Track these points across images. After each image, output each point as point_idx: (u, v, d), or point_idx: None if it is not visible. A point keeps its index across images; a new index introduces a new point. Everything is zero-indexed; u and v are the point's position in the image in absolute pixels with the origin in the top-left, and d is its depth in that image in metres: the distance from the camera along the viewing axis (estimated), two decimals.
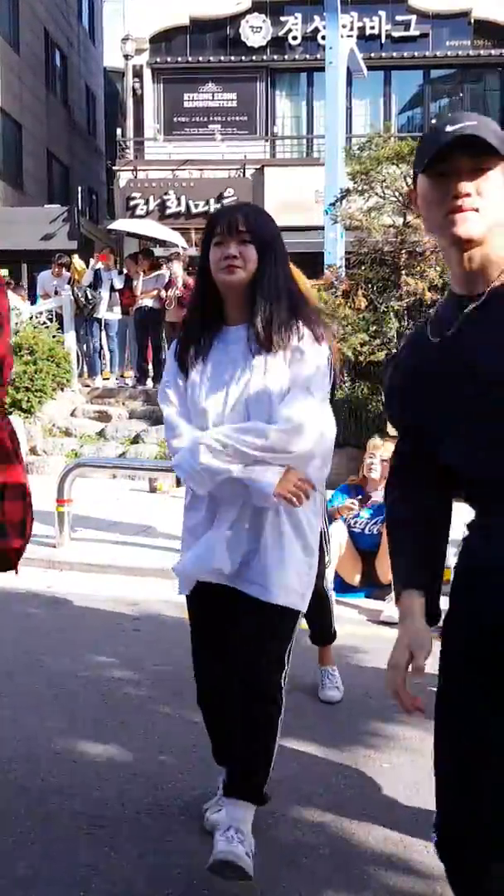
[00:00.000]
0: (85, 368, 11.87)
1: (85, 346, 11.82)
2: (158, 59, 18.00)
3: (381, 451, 4.72)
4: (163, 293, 10.80)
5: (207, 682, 2.34)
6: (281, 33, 17.66)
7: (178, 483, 7.75)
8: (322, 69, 11.14)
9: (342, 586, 4.70)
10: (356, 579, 4.70)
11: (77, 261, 12.21)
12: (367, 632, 4.15)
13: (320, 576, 3.10)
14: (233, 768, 2.24)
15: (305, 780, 2.72)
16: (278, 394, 2.14)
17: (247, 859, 2.07)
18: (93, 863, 2.25)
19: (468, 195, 1.45)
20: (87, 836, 2.37)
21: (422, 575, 1.57)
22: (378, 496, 4.60)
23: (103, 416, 10.20)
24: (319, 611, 3.27)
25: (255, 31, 17.71)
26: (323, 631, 3.42)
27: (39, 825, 2.42)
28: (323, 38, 13.59)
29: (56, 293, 11.64)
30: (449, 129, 1.44)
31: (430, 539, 1.61)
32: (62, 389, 10.53)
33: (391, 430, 5.48)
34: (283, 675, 2.19)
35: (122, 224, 15.27)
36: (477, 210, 1.45)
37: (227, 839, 2.10)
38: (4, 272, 10.75)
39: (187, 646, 2.37)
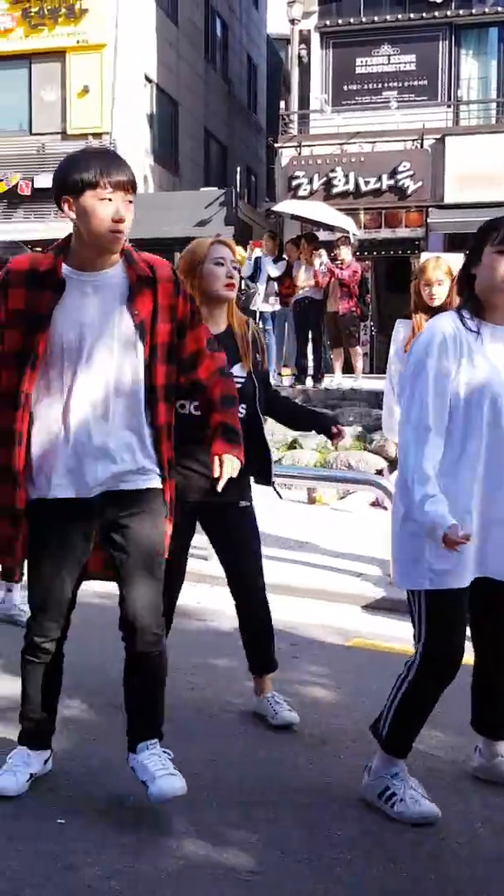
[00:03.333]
0: None
1: None
2: (328, 22, 18.09)
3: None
4: (322, 280, 10.77)
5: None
6: None
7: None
8: None
9: None
10: None
11: (237, 249, 12.35)
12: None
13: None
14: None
15: (316, 820, 2.66)
16: None
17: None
18: None
19: None
20: None
21: None
22: None
23: None
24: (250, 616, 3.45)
25: None
26: (260, 651, 3.38)
27: None
28: None
29: None
30: None
31: None
32: None
33: None
34: None
35: (286, 206, 15.39)
36: None
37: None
38: None
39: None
